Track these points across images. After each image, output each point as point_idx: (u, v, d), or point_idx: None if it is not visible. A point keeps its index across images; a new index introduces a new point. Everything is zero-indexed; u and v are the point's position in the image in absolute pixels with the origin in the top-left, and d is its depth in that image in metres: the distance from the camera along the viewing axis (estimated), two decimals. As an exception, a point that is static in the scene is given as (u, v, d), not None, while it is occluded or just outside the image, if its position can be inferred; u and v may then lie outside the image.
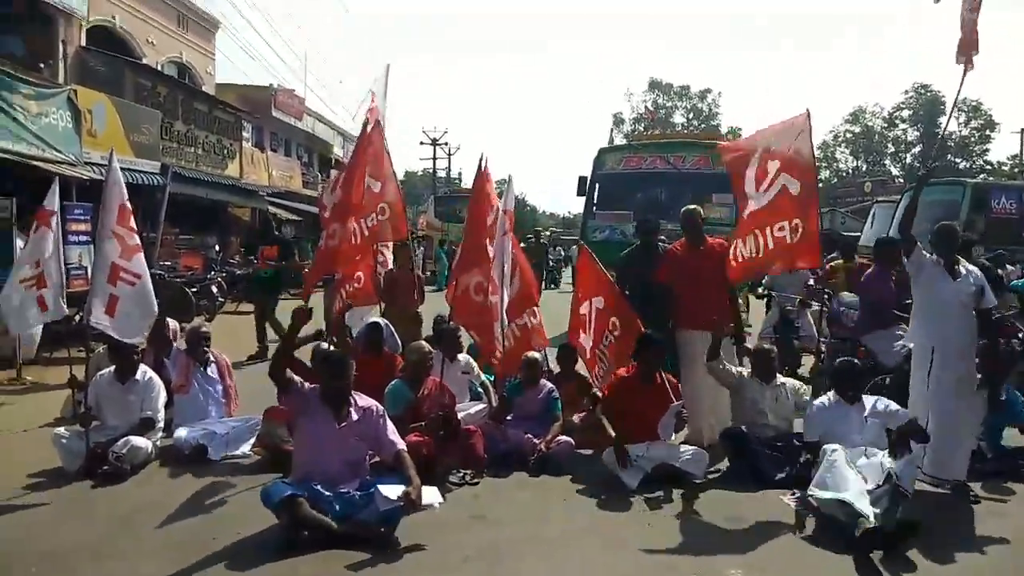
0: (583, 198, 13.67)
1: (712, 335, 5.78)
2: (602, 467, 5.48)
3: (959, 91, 5.63)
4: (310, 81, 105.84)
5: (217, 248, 19.61)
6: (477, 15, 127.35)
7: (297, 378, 4.48)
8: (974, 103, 50.19)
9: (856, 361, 5.40)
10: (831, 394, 5.30)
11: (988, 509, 4.97)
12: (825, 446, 4.80)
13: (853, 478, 4.44)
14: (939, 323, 5.21)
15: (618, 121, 59.42)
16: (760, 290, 10.69)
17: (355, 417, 4.43)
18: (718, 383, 5.96)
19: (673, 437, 5.72)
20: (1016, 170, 38.87)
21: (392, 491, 4.19)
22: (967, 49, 5.29)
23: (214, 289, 14.23)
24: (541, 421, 5.94)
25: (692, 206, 6.64)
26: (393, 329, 6.62)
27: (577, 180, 13.90)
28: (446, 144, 48.65)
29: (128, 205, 5.62)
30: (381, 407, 4.61)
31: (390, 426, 4.54)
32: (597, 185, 13.53)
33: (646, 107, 59.06)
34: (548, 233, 38.73)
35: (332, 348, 5.96)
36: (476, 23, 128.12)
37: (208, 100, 21.48)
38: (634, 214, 13.02)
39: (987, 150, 50.56)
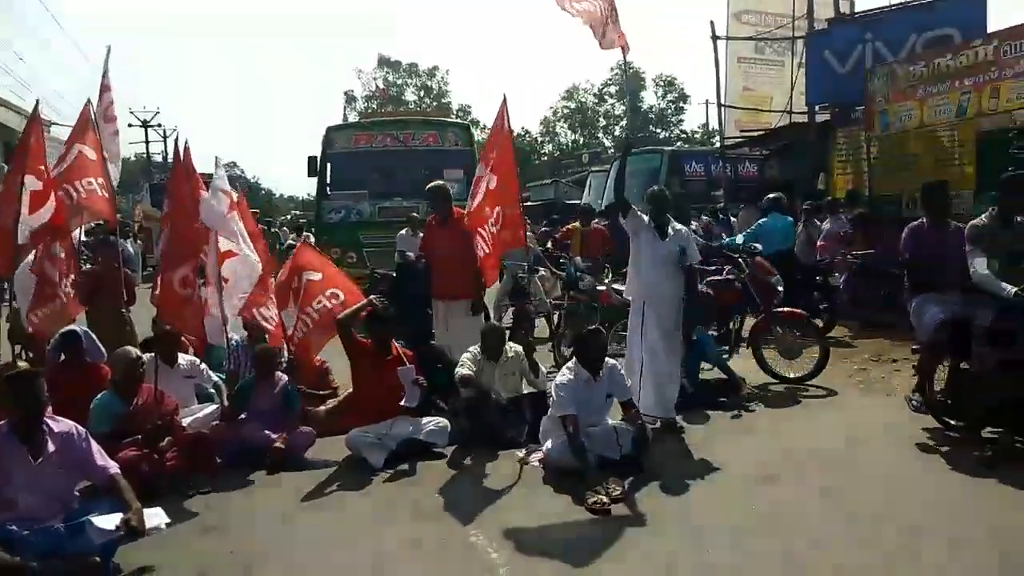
0: (316, 179, 13.31)
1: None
2: (347, 451, 5.42)
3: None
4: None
5: None
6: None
7: None
8: (669, 78, 56.43)
9: (602, 330, 5.33)
10: (574, 363, 5.13)
11: (693, 439, 5.66)
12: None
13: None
14: (650, 278, 5.79)
15: (350, 99, 58.14)
16: None
17: (52, 447, 3.84)
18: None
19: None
20: (706, 137, 44.44)
21: (108, 521, 3.73)
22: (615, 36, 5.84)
23: None
24: (280, 415, 5.67)
25: (439, 181, 7.06)
26: (94, 336, 5.87)
27: (307, 160, 13.48)
28: (160, 126, 44.39)
29: None
30: (83, 429, 4.03)
31: (96, 448, 4.00)
32: (328, 164, 13.21)
33: (377, 85, 58.55)
34: (287, 217, 37.14)
35: (21, 365, 5.18)
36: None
37: None
38: (369, 193, 12.98)
39: (682, 120, 57.22)
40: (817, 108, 13.93)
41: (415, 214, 11.05)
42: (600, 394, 5.14)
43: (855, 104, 12.16)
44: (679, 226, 6.01)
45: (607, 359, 5.17)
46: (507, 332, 6.32)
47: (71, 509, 3.92)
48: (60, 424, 3.96)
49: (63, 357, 5.65)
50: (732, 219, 14.10)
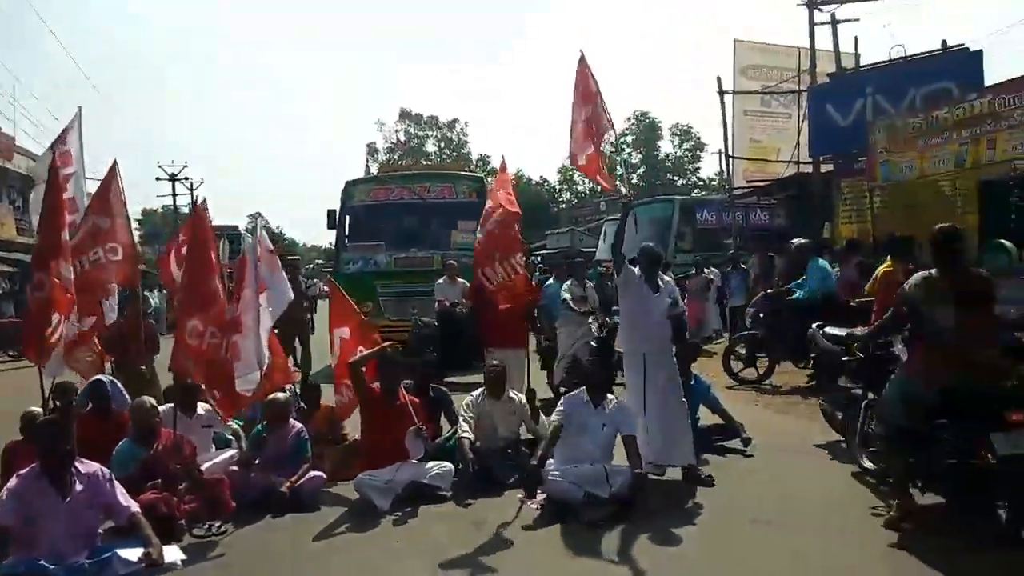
0: (335, 231, 13.74)
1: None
2: (355, 494, 5.64)
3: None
4: (18, 118, 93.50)
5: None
6: (214, 48, 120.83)
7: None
8: (685, 127, 57.20)
9: (611, 362, 6.00)
10: (583, 390, 5.70)
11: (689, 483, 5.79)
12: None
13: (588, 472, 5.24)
14: (646, 330, 5.94)
15: (372, 151, 59.54)
16: None
17: (80, 487, 4.17)
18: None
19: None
20: (722, 185, 44.73)
21: (132, 554, 4.07)
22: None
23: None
24: (292, 461, 5.91)
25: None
26: (121, 386, 6.20)
27: (327, 213, 13.93)
28: (187, 179, 45.59)
29: None
30: (107, 470, 4.37)
31: (119, 489, 4.33)
32: (347, 217, 13.66)
33: (398, 137, 59.89)
34: (311, 267, 37.75)
35: (50, 413, 5.50)
36: (215, 56, 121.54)
37: None
38: (386, 244, 13.39)
39: (699, 168, 57.80)
40: (821, 159, 14.25)
41: (452, 262, 11.37)
42: (598, 422, 5.49)
43: (858, 155, 12.46)
44: (667, 278, 6.27)
45: (616, 398, 5.61)
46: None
47: (94, 547, 4.21)
48: (87, 466, 4.29)
49: (90, 405, 5.99)
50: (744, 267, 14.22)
